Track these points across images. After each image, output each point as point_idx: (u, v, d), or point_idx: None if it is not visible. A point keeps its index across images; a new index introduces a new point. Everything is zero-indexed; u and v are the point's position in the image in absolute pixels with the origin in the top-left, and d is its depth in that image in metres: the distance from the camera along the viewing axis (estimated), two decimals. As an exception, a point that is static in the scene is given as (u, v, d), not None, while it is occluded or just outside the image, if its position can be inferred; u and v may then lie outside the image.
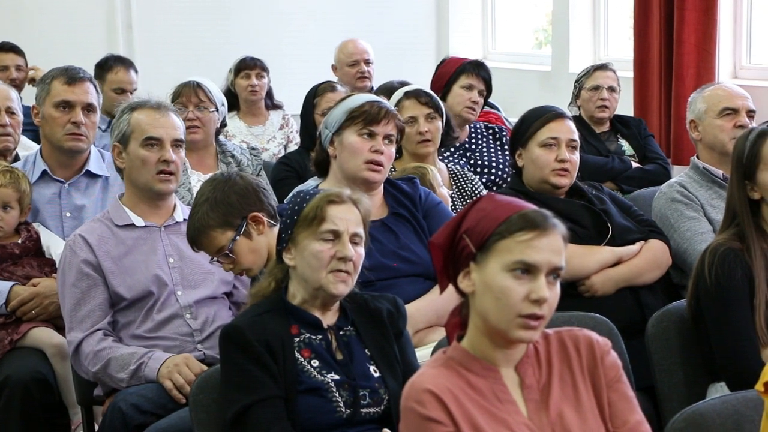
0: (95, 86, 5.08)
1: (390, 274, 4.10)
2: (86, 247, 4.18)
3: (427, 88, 5.61)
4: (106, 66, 6.92)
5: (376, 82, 7.25)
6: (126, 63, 7.07)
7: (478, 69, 6.37)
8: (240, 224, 3.81)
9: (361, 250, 3.46)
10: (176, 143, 4.29)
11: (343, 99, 4.42)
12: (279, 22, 8.69)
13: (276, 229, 3.75)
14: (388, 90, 6.05)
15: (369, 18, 8.77)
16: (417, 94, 5.24)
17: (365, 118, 4.21)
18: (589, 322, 3.47)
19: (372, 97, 4.35)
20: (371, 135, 4.20)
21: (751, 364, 3.34)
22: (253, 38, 8.31)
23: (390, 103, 4.57)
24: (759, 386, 2.83)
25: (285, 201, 4.32)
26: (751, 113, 4.95)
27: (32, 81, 7.06)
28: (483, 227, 2.79)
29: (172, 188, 4.30)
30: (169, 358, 3.95)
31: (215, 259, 3.93)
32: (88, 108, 4.95)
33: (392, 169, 4.97)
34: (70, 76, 4.94)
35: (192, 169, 5.47)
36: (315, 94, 6.41)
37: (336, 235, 3.37)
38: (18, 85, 6.69)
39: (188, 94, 5.65)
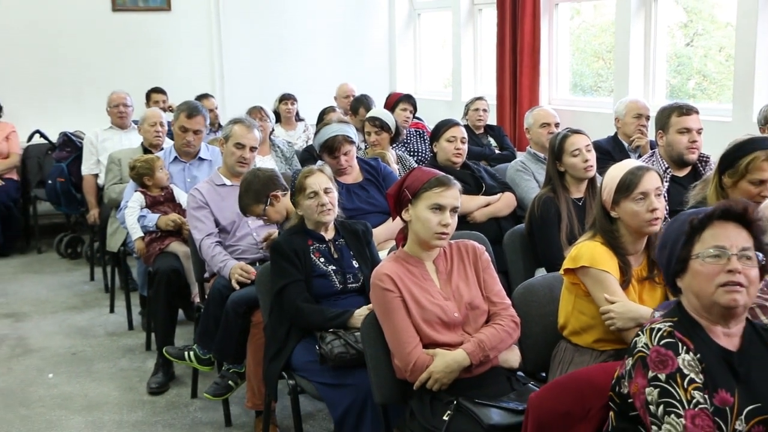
0: (206, 118, 4.99)
1: (363, 212, 4.03)
2: (200, 195, 4.12)
3: (381, 110, 5.54)
4: (200, 99, 6.71)
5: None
6: (209, 96, 6.99)
7: (408, 99, 6.44)
8: (266, 200, 3.73)
9: (334, 194, 3.39)
10: (252, 148, 4.24)
11: (321, 128, 4.29)
12: (305, 69, 8.52)
13: (288, 195, 3.74)
14: (360, 102, 6.48)
15: (353, 67, 8.61)
16: (371, 120, 5.06)
17: (328, 150, 4.13)
18: (473, 237, 3.44)
19: (333, 130, 4.16)
20: (335, 157, 4.12)
21: (557, 258, 3.33)
22: (291, 79, 8.14)
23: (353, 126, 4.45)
24: (561, 271, 2.86)
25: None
26: (557, 125, 4.90)
27: (170, 108, 6.92)
28: (415, 185, 2.78)
29: (246, 170, 4.14)
30: (233, 267, 3.88)
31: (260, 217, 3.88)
32: (197, 132, 4.86)
33: (365, 153, 4.92)
34: (190, 112, 4.84)
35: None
36: (324, 113, 6.37)
37: (315, 193, 3.33)
38: (162, 110, 6.53)
39: (255, 112, 5.59)
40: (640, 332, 1.98)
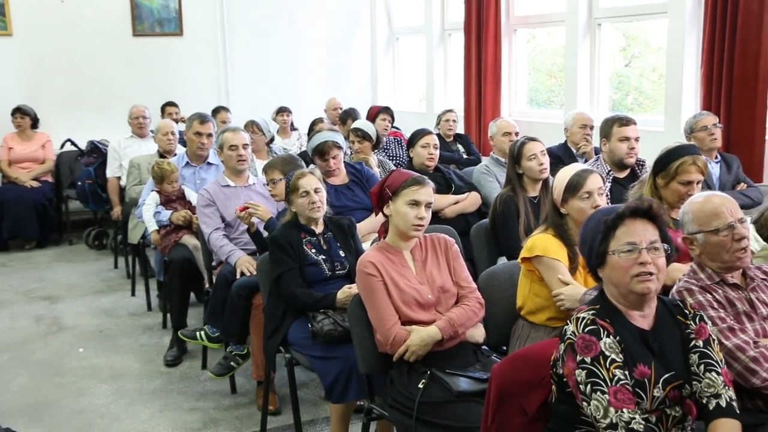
0: (214, 124, 4.91)
1: (349, 209, 4.00)
2: (208, 195, 4.07)
3: (364, 121, 5.47)
4: (216, 111, 6.71)
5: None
6: (225, 109, 6.87)
7: (387, 110, 6.38)
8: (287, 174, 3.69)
9: (323, 193, 3.34)
10: (244, 146, 4.18)
11: (313, 135, 4.24)
12: (299, 85, 8.44)
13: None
14: (348, 114, 6.37)
15: (341, 83, 8.58)
16: (354, 131, 4.97)
17: (319, 153, 4.06)
18: (444, 230, 3.43)
19: (324, 136, 4.10)
20: (325, 160, 4.06)
21: (516, 249, 3.31)
22: (287, 94, 8.08)
23: (341, 133, 4.41)
24: (519, 260, 2.87)
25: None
26: (517, 134, 4.88)
27: (182, 119, 6.86)
28: (395, 184, 2.77)
29: (245, 168, 4.19)
30: (240, 258, 3.84)
31: (268, 183, 3.88)
32: (209, 135, 4.79)
33: (351, 158, 4.89)
34: (202, 119, 4.78)
35: (256, 158, 5.29)
36: (314, 123, 6.32)
37: (307, 193, 3.28)
38: (174, 121, 6.47)
39: (249, 126, 5.42)
40: (568, 321, 1.98)
